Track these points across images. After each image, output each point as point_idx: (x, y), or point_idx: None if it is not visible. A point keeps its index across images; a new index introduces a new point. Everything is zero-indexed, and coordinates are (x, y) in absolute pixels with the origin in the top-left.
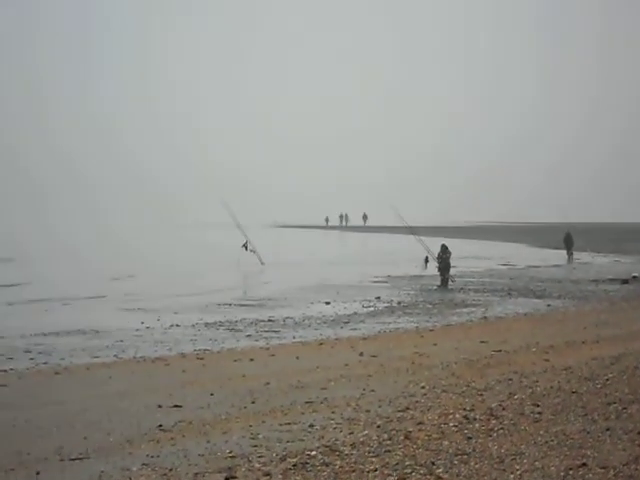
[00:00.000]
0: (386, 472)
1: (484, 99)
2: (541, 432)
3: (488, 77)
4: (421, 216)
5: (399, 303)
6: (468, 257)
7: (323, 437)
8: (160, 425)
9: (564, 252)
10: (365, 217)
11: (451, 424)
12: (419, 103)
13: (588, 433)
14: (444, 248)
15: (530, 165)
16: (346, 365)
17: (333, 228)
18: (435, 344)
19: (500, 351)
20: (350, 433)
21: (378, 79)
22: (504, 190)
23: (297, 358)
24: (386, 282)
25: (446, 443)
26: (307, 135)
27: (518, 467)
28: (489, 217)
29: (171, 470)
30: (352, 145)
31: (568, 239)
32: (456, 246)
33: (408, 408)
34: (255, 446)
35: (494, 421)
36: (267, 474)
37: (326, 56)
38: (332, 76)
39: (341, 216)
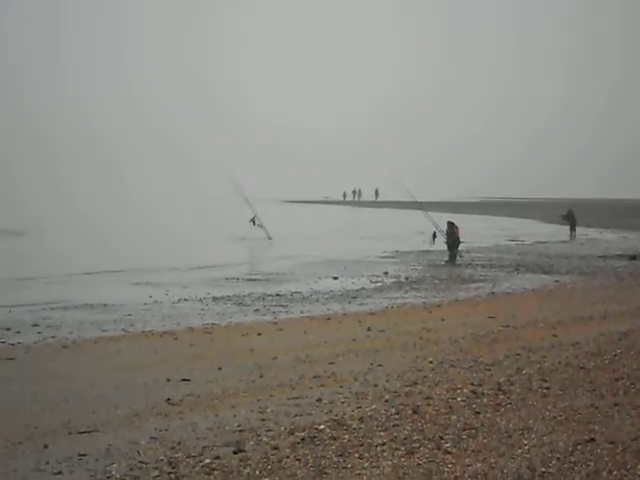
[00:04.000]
0: (394, 446)
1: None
2: (549, 407)
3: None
4: (432, 192)
5: (407, 278)
6: (476, 233)
7: (331, 411)
8: (168, 399)
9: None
10: (377, 192)
11: (459, 399)
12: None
13: (596, 408)
14: (451, 224)
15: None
16: (354, 340)
17: (347, 203)
18: (443, 319)
19: (508, 326)
20: (358, 407)
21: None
22: (515, 166)
23: (305, 333)
24: (394, 257)
25: (454, 418)
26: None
27: (526, 442)
28: (497, 193)
29: (179, 444)
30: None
31: (570, 216)
32: (464, 222)
33: (416, 383)
34: (263, 420)
35: (502, 396)
36: (275, 448)
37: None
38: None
39: (354, 191)
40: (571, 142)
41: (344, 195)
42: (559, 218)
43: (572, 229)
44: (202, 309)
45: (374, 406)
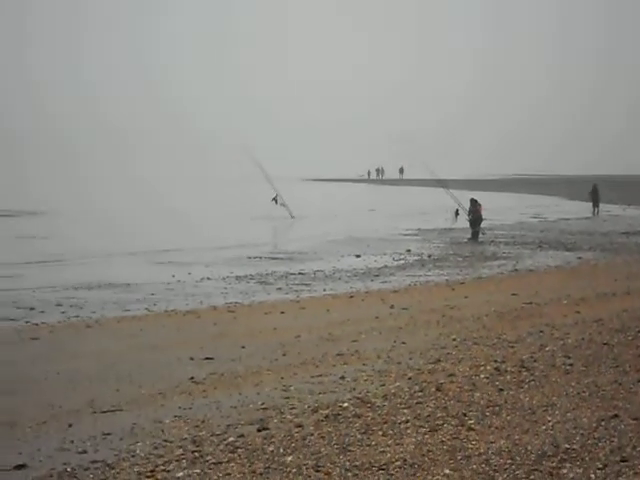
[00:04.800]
0: (418, 424)
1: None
2: (572, 384)
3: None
4: (456, 169)
5: (429, 256)
6: (499, 210)
7: (354, 389)
8: (192, 377)
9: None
10: (402, 170)
11: (482, 376)
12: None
13: (620, 384)
14: (473, 202)
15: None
16: (377, 318)
17: (370, 181)
18: (466, 297)
19: (531, 303)
20: (381, 385)
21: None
22: (537, 143)
23: (328, 311)
24: (417, 235)
25: (477, 395)
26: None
27: (550, 418)
28: (520, 170)
29: (203, 422)
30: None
31: (594, 192)
32: (487, 199)
33: (439, 360)
34: (287, 398)
35: (525, 373)
36: (299, 425)
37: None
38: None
39: (378, 169)
40: (600, 121)
41: (368, 173)
42: (586, 195)
43: (595, 205)
44: (225, 288)
45: (397, 384)
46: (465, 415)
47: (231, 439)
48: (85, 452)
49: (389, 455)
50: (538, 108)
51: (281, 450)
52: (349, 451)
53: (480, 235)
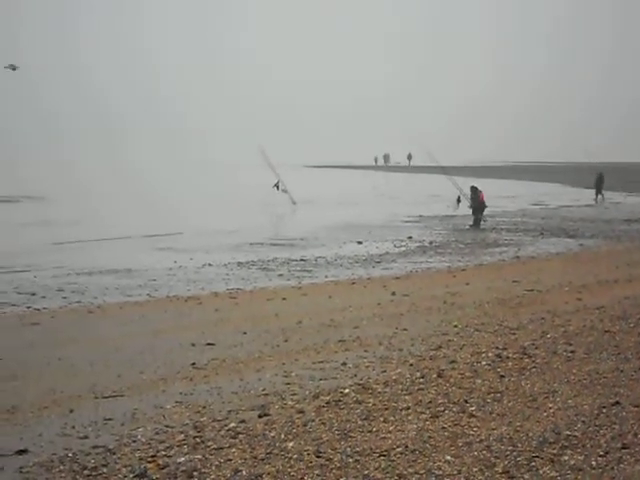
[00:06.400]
0: (419, 410)
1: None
2: (574, 371)
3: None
4: (460, 156)
5: (431, 243)
6: (501, 197)
7: (356, 375)
8: (193, 363)
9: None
10: (410, 157)
11: (484, 362)
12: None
13: (621, 372)
14: (474, 189)
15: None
16: (378, 304)
17: (377, 168)
18: (467, 283)
19: (532, 290)
20: (383, 371)
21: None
22: (539, 130)
23: (329, 297)
24: (418, 222)
25: (479, 381)
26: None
27: (551, 405)
28: (522, 157)
29: (204, 407)
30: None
31: (599, 180)
32: (487, 186)
33: (441, 347)
34: (288, 384)
35: (527, 360)
36: (300, 411)
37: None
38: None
39: (385, 156)
40: (603, 107)
41: (375, 160)
42: (585, 182)
43: (598, 192)
44: (227, 274)
45: (399, 370)
46: (466, 402)
47: (232, 425)
48: (86, 437)
49: (390, 441)
50: (542, 97)
51: (282, 436)
52: (350, 437)
53: (482, 222)
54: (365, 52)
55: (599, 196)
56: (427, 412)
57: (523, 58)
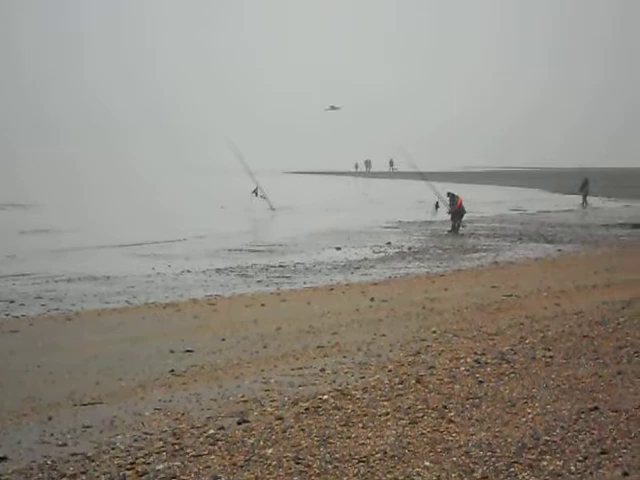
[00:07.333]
0: (398, 416)
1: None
2: (552, 376)
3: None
4: (439, 162)
5: (410, 248)
6: (479, 202)
7: (335, 381)
8: (172, 370)
9: (577, 197)
10: (392, 163)
11: (462, 368)
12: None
13: (600, 377)
14: (452, 196)
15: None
16: (357, 310)
17: (358, 174)
18: (446, 289)
19: (511, 296)
20: (362, 377)
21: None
22: (522, 138)
23: (308, 303)
24: (397, 227)
25: (457, 387)
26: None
27: (530, 411)
28: (501, 163)
29: (183, 414)
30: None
31: (585, 185)
32: (466, 192)
33: (419, 352)
34: (267, 390)
35: (505, 365)
36: (279, 418)
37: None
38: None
39: (366, 162)
40: (572, 114)
41: (356, 166)
42: (576, 189)
43: (585, 198)
44: (205, 280)
45: (377, 376)
46: (445, 407)
47: (211, 432)
48: (65, 445)
49: (369, 447)
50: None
51: (261, 442)
52: (329, 443)
53: (460, 227)
54: (361, 55)
55: (584, 199)
56: (406, 418)
57: (522, 59)
